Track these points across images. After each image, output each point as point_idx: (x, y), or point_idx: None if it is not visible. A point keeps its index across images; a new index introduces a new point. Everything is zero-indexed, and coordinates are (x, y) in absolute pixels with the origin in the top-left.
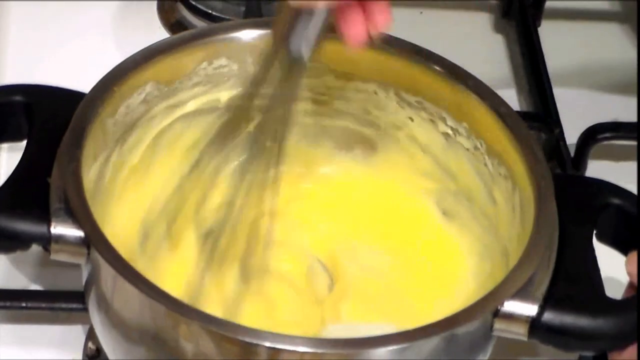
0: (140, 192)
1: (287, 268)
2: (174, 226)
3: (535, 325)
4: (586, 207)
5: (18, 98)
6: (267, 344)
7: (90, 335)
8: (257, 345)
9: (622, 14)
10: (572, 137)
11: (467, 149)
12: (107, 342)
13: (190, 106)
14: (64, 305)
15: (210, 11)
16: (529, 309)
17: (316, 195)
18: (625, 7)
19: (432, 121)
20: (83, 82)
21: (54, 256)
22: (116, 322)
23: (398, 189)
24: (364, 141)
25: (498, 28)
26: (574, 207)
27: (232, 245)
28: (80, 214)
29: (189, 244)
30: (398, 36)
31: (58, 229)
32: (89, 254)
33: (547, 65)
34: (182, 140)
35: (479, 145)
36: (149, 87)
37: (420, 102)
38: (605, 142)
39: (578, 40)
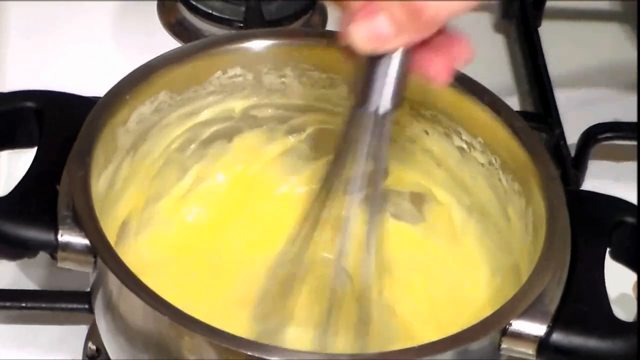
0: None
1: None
2: None
3: (543, 345)
4: (599, 225)
5: (29, 104)
6: (274, 359)
7: (90, 336)
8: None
9: (622, 14)
10: (572, 137)
11: (482, 164)
12: (112, 347)
13: (204, 115)
14: (64, 306)
15: (210, 11)
16: (538, 329)
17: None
18: (625, 7)
19: (447, 135)
20: (83, 82)
21: (61, 264)
22: (121, 329)
23: None
24: None
25: (498, 28)
26: (587, 225)
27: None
28: (87, 222)
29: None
30: None
31: (65, 237)
32: (95, 262)
33: (547, 65)
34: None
35: (493, 161)
36: (162, 96)
37: (436, 116)
38: (606, 142)
39: (578, 40)
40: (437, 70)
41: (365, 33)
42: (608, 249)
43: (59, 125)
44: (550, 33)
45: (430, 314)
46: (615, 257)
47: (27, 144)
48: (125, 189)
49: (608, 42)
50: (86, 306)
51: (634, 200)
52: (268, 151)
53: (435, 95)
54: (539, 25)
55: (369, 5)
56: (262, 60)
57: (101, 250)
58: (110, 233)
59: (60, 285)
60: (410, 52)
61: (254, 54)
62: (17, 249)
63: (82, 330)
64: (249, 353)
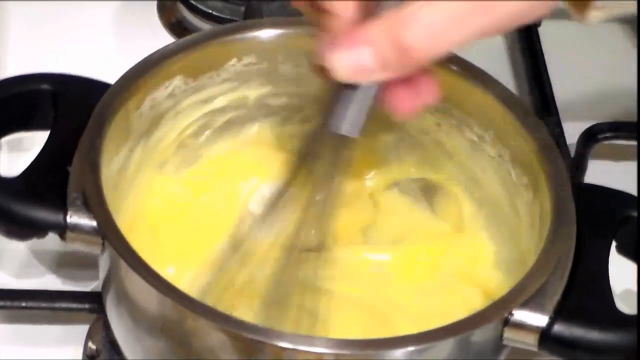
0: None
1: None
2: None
3: (545, 336)
4: (606, 219)
5: (45, 86)
6: (281, 344)
7: (91, 336)
8: (265, 344)
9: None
10: (572, 137)
11: (492, 157)
12: (119, 330)
13: (219, 102)
14: (64, 305)
15: (210, 11)
16: (540, 319)
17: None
18: None
19: (459, 128)
20: None
21: (70, 244)
22: (128, 313)
23: None
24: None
25: None
26: (594, 219)
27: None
28: (95, 204)
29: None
30: None
31: (74, 218)
32: (103, 243)
33: (547, 64)
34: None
35: (503, 154)
36: (176, 81)
37: (448, 108)
38: (606, 142)
39: (578, 40)
40: (404, 106)
41: (347, 63)
42: (615, 244)
43: (73, 108)
44: (550, 33)
45: (433, 300)
46: (622, 251)
47: (42, 126)
48: (138, 173)
49: (608, 42)
50: (86, 306)
51: None
52: (282, 140)
53: (447, 88)
54: (539, 25)
55: (355, 33)
56: (277, 49)
57: (107, 232)
58: (123, 215)
59: (61, 285)
60: (382, 85)
61: (269, 43)
62: (27, 229)
63: (82, 330)
64: (251, 337)
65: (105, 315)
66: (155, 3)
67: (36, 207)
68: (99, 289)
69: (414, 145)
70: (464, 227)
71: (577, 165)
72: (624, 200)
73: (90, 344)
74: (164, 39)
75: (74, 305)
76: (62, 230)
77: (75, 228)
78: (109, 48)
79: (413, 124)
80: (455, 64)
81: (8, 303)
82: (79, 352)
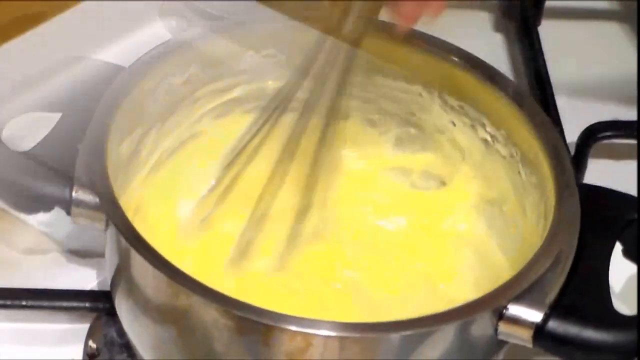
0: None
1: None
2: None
3: (539, 332)
4: (611, 221)
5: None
6: (285, 326)
7: (91, 334)
8: (256, 322)
9: (622, 14)
10: (572, 135)
11: (504, 157)
12: (121, 309)
13: (236, 92)
14: (64, 305)
15: (210, 10)
16: (535, 315)
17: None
18: (625, 7)
19: (473, 127)
20: None
21: (75, 220)
22: (129, 292)
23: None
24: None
25: (498, 28)
26: (597, 221)
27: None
28: (99, 181)
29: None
30: None
31: (79, 193)
32: (107, 219)
33: (547, 64)
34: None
35: (514, 153)
36: (192, 69)
37: (462, 107)
38: (606, 141)
39: (578, 40)
40: (406, 11)
41: None
42: (621, 247)
43: (88, 89)
44: (549, 32)
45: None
46: (627, 255)
47: (56, 107)
48: (151, 156)
49: (608, 42)
50: (87, 305)
51: None
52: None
53: (462, 86)
54: (539, 24)
55: None
56: (296, 42)
57: (108, 208)
58: (132, 195)
59: (61, 284)
60: None
61: (288, 36)
62: (33, 203)
63: (83, 329)
64: (241, 314)
65: (113, 307)
66: (155, 4)
67: (43, 181)
68: (99, 287)
69: (428, 143)
70: (474, 227)
71: (577, 164)
72: (629, 203)
73: (90, 343)
74: (164, 38)
75: (75, 304)
76: (68, 205)
77: (80, 204)
78: (108, 49)
79: (429, 122)
80: (469, 63)
81: (8, 302)
82: (79, 351)
